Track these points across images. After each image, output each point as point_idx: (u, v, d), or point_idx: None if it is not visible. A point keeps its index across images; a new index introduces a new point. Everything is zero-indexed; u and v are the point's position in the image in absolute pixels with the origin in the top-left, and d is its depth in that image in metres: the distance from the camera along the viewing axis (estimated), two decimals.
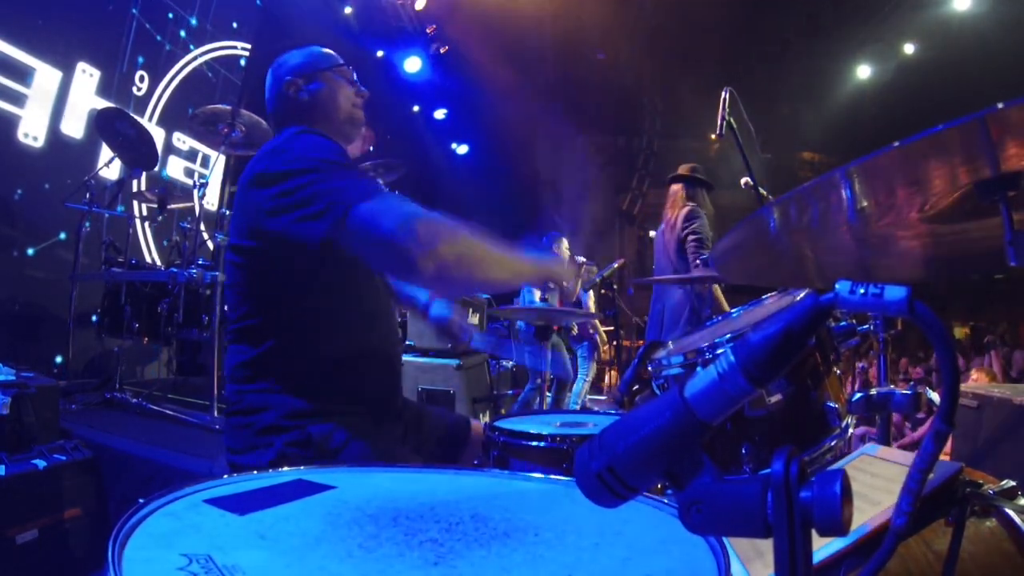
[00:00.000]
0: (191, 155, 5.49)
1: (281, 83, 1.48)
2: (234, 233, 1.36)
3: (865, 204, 0.80)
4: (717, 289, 3.67)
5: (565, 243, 5.47)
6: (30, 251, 3.98)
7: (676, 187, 3.88)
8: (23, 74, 3.89)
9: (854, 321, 1.25)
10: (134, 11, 4.70)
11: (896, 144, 0.63)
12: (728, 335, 1.22)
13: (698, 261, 3.70)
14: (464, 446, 1.63)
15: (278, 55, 1.55)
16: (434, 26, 7.34)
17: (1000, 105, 0.56)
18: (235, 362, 1.34)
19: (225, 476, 0.79)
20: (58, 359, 3.89)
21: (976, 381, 4.73)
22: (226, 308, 3.03)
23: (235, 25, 5.94)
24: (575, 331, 5.61)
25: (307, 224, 1.17)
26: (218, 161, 4.06)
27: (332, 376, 1.32)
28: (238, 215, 1.34)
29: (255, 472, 0.83)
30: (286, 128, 1.45)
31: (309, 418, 1.26)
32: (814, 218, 0.88)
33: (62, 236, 4.10)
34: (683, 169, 3.90)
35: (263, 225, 1.25)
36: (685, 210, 3.77)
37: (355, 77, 1.55)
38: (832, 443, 1.17)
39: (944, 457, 0.56)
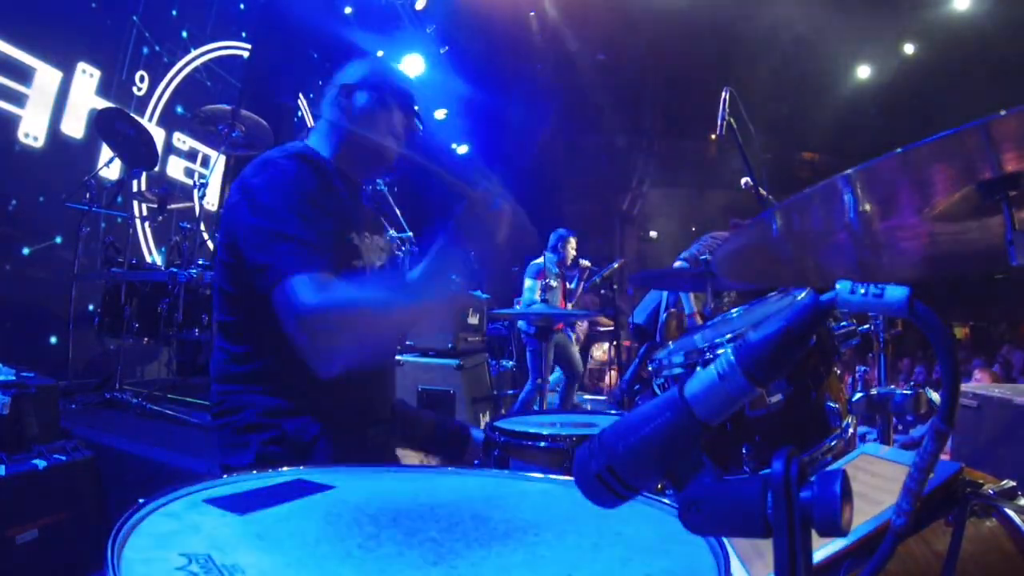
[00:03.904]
0: (191, 155, 5.49)
1: (336, 85, 1.45)
2: (222, 231, 1.36)
3: (867, 207, 0.80)
4: (691, 295, 3.78)
5: (573, 242, 5.41)
6: (25, 251, 3.98)
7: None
8: (23, 74, 3.89)
9: (854, 321, 1.26)
10: (134, 12, 4.70)
11: (899, 151, 0.63)
12: (728, 335, 1.22)
13: (676, 262, 3.85)
14: (462, 454, 1.62)
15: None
16: (434, 26, 7.33)
17: (1003, 112, 0.56)
18: (218, 361, 1.35)
19: (224, 476, 0.79)
20: (58, 359, 3.89)
21: (978, 381, 4.74)
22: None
23: (235, 25, 5.94)
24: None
25: (255, 275, 1.21)
26: (218, 161, 4.06)
27: (312, 378, 1.31)
28: (226, 214, 1.34)
29: (254, 472, 0.83)
30: (324, 132, 1.45)
31: (286, 416, 1.27)
32: (815, 221, 0.88)
33: (58, 239, 4.10)
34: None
35: (237, 238, 1.27)
36: (725, 232, 4.00)
37: (415, 110, 1.48)
38: (832, 443, 1.18)
39: (944, 457, 0.56)
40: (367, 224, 1.47)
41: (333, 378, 1.28)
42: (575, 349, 5.46)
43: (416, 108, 1.49)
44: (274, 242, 1.19)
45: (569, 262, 5.35)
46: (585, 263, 5.37)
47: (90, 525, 2.09)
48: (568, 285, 5.32)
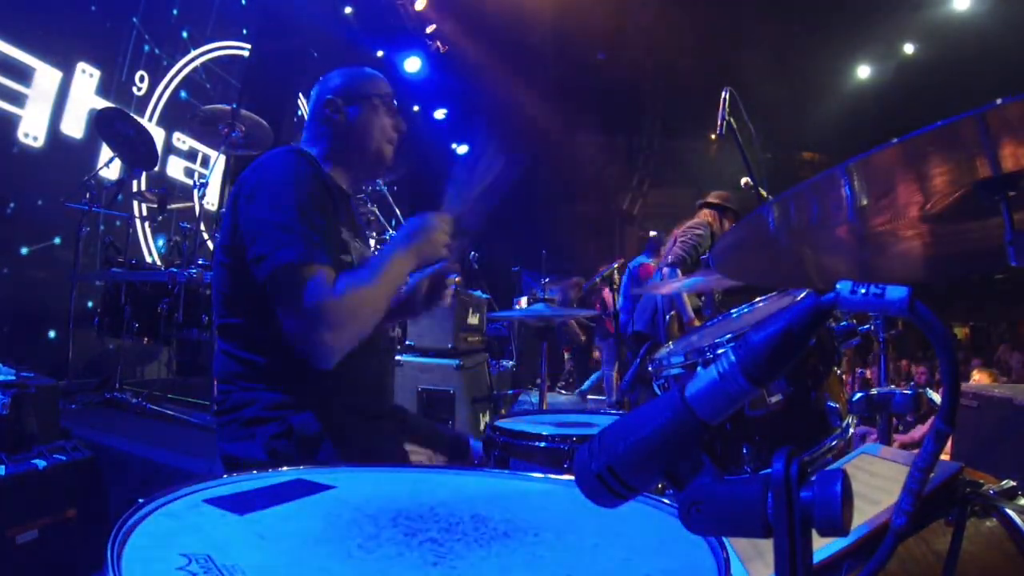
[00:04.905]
0: (191, 155, 5.49)
1: (322, 100, 1.47)
2: (222, 232, 1.38)
3: (865, 202, 0.80)
4: (686, 297, 3.74)
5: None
6: (24, 251, 3.97)
7: (705, 211, 4.02)
8: (23, 74, 3.89)
9: (855, 321, 1.25)
10: (134, 14, 4.70)
11: (895, 140, 0.63)
12: (728, 335, 1.22)
13: (664, 268, 3.79)
14: (462, 458, 1.62)
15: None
16: (434, 26, 7.34)
17: (999, 101, 0.56)
18: (220, 361, 1.37)
19: (225, 476, 0.79)
20: (58, 359, 3.89)
21: (977, 381, 4.73)
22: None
23: (235, 25, 5.94)
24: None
25: (254, 265, 1.23)
26: (218, 161, 4.06)
27: (312, 375, 1.31)
28: (228, 212, 1.36)
29: (255, 472, 0.83)
30: (314, 145, 1.46)
31: (290, 409, 1.29)
32: (814, 216, 0.88)
33: (57, 240, 4.09)
34: (713, 197, 4.04)
35: (239, 232, 1.28)
36: (695, 220, 3.94)
37: (397, 108, 1.52)
38: (832, 443, 1.18)
39: (944, 457, 0.56)
40: (355, 230, 1.50)
41: (333, 372, 1.29)
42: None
43: (396, 105, 1.53)
44: (277, 232, 1.20)
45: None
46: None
47: (90, 525, 2.09)
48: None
